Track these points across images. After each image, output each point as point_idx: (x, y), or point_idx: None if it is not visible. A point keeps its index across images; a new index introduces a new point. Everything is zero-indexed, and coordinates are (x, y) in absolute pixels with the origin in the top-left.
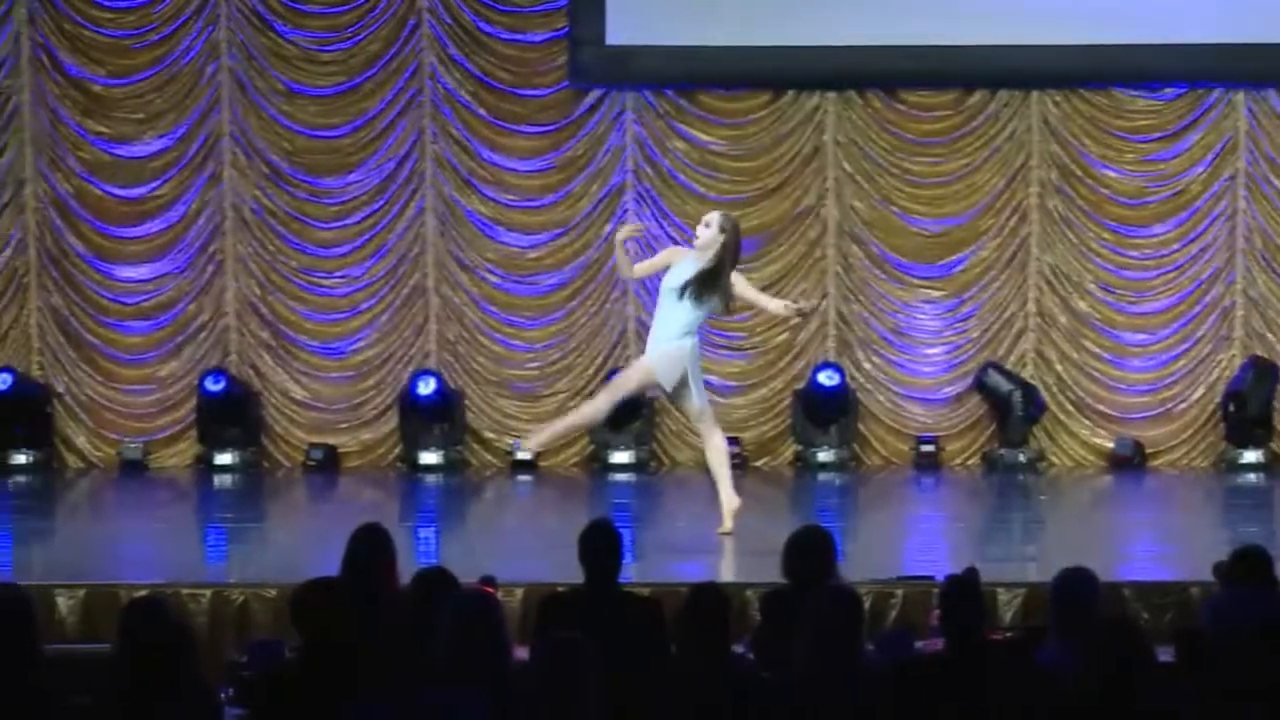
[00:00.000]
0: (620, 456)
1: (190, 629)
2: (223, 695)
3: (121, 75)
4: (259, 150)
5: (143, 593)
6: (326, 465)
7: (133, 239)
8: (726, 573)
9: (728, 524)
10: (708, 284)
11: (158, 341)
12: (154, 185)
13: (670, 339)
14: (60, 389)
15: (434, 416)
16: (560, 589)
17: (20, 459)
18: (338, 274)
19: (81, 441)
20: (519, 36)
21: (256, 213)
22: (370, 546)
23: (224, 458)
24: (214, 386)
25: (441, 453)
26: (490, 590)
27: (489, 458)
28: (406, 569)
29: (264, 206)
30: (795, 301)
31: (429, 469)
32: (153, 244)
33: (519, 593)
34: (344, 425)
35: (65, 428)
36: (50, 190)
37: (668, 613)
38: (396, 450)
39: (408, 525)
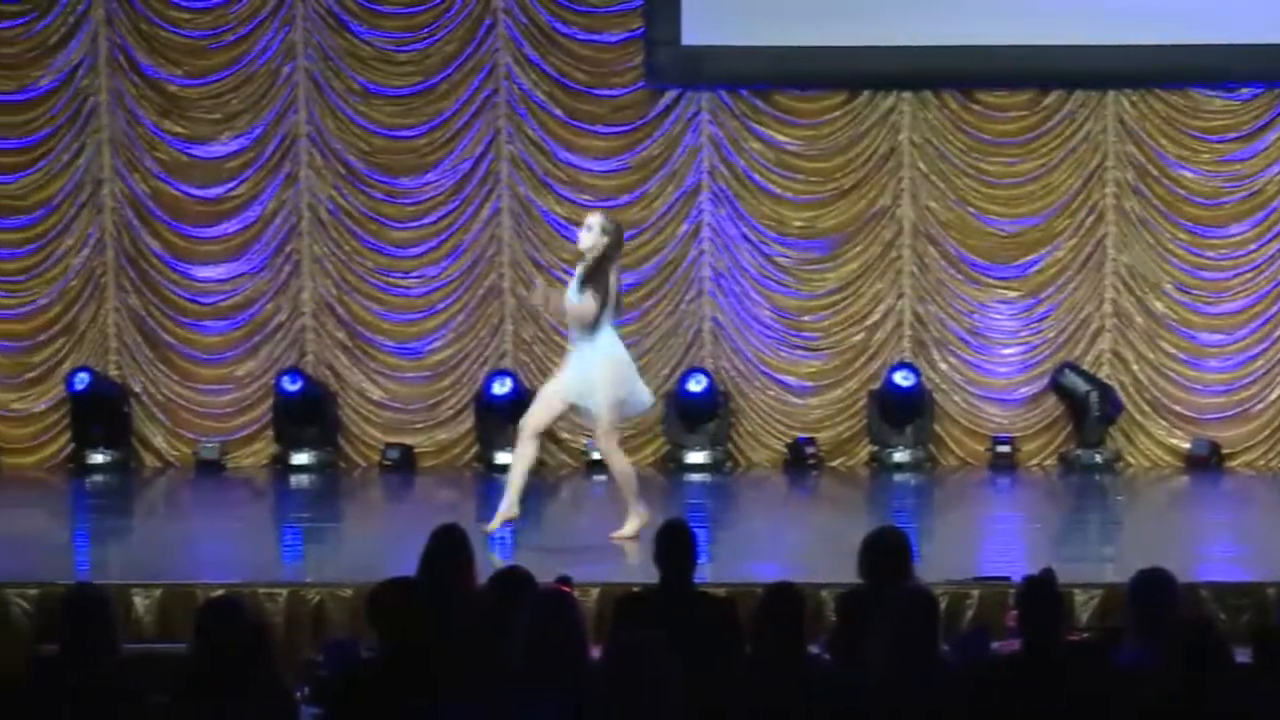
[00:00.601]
0: (696, 457)
1: (266, 628)
2: (298, 694)
3: (198, 76)
4: (335, 150)
5: (219, 592)
6: (403, 465)
7: (209, 239)
8: (802, 573)
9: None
10: (588, 280)
11: (234, 341)
12: (231, 185)
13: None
14: (137, 389)
15: (510, 416)
16: (635, 589)
17: (98, 459)
18: (414, 274)
19: (159, 441)
20: (594, 37)
21: (333, 213)
22: (447, 547)
23: (300, 457)
24: (291, 386)
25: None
26: (566, 590)
27: (564, 457)
28: (483, 569)
29: (340, 206)
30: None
31: (505, 469)
32: (229, 244)
33: (594, 592)
34: (420, 425)
35: (142, 427)
36: (127, 191)
37: (742, 613)
38: (473, 450)
39: (483, 524)
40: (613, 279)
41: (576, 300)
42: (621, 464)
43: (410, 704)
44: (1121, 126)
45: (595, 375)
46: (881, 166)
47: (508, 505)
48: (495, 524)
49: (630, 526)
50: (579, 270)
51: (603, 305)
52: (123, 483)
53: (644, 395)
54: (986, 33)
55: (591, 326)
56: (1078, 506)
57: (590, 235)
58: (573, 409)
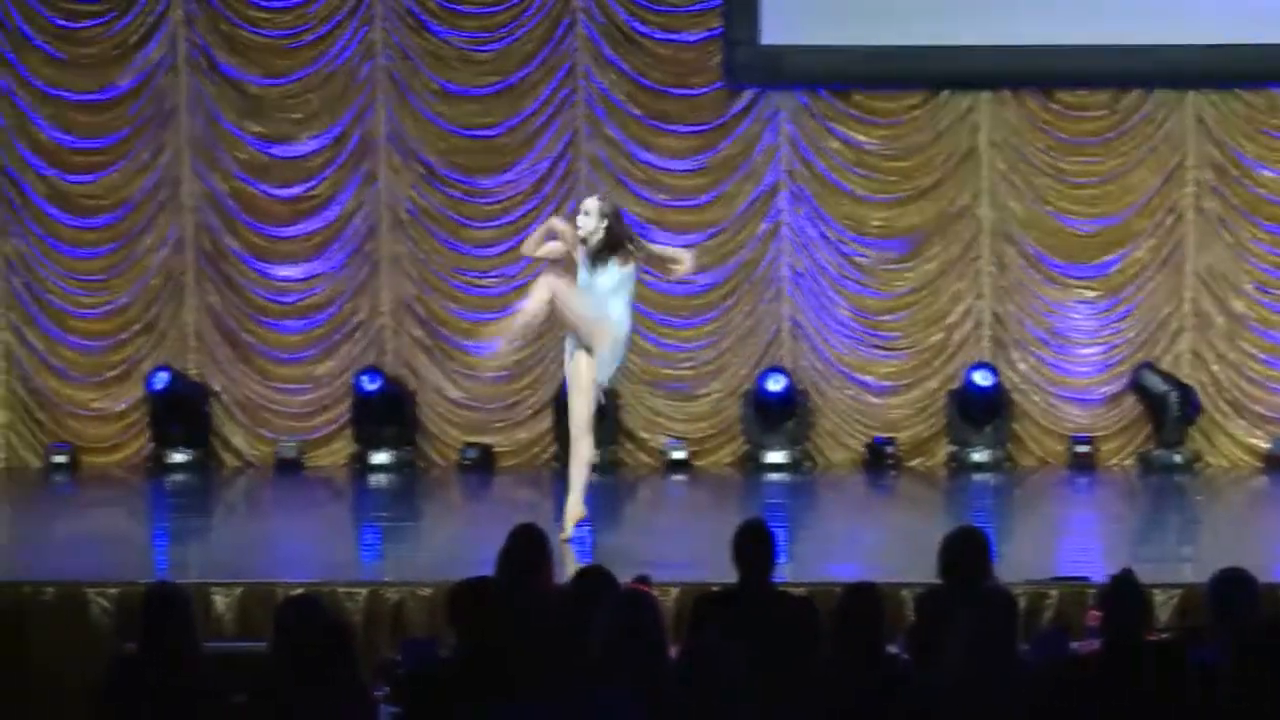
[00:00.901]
0: (774, 456)
1: (346, 627)
2: (377, 694)
3: (277, 75)
4: (414, 150)
5: (299, 591)
6: (481, 464)
7: (289, 238)
8: (881, 573)
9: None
10: (614, 249)
11: (314, 340)
12: (310, 185)
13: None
14: (217, 388)
15: None
16: (714, 588)
17: (178, 458)
18: (492, 273)
19: (238, 440)
20: (673, 36)
21: (411, 212)
22: (526, 546)
23: (379, 457)
24: (370, 385)
25: (596, 452)
26: (645, 589)
27: (643, 457)
28: (562, 568)
29: (419, 206)
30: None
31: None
32: (309, 243)
33: (674, 592)
34: (499, 424)
35: (222, 427)
36: (207, 190)
37: (821, 612)
38: (551, 449)
39: (561, 533)
40: (635, 245)
41: (596, 281)
42: (586, 451)
43: (488, 703)
44: (1201, 126)
45: (608, 354)
46: (960, 166)
47: (575, 505)
48: (569, 529)
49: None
50: (588, 254)
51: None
52: (202, 482)
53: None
54: (1065, 32)
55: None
56: (1157, 506)
57: (589, 220)
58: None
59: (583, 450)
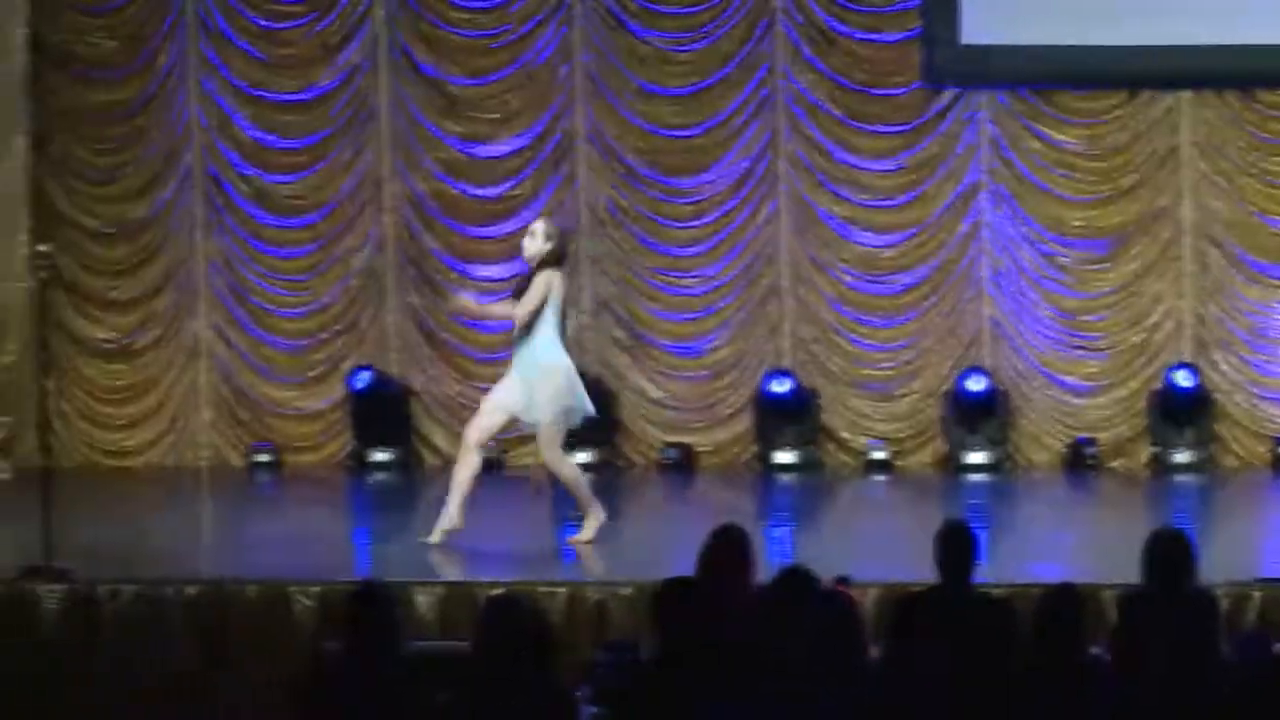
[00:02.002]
0: (975, 457)
1: (547, 627)
2: (578, 694)
3: (477, 75)
4: (613, 150)
5: (499, 591)
6: (681, 464)
7: (489, 238)
8: (1083, 574)
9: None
10: (524, 285)
11: (513, 340)
12: (510, 184)
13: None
14: (418, 387)
15: (788, 416)
16: (914, 589)
17: (379, 456)
18: (692, 273)
19: (439, 439)
20: (872, 36)
21: (611, 212)
22: (727, 546)
23: (579, 456)
24: None
25: (796, 452)
26: (845, 590)
27: (843, 457)
28: (762, 568)
29: (619, 206)
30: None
31: (783, 468)
32: (509, 243)
33: (873, 593)
34: (699, 424)
35: (423, 426)
36: (408, 190)
37: (1022, 614)
38: (751, 449)
39: (762, 524)
40: (557, 284)
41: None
42: (570, 470)
43: (690, 704)
44: None
45: (537, 387)
46: (1161, 166)
47: (450, 516)
48: (436, 535)
49: (589, 529)
50: (521, 280)
51: (537, 310)
52: (403, 481)
53: (587, 404)
54: (1268, 32)
55: (527, 330)
56: None
57: (534, 242)
58: (515, 420)
59: (568, 471)
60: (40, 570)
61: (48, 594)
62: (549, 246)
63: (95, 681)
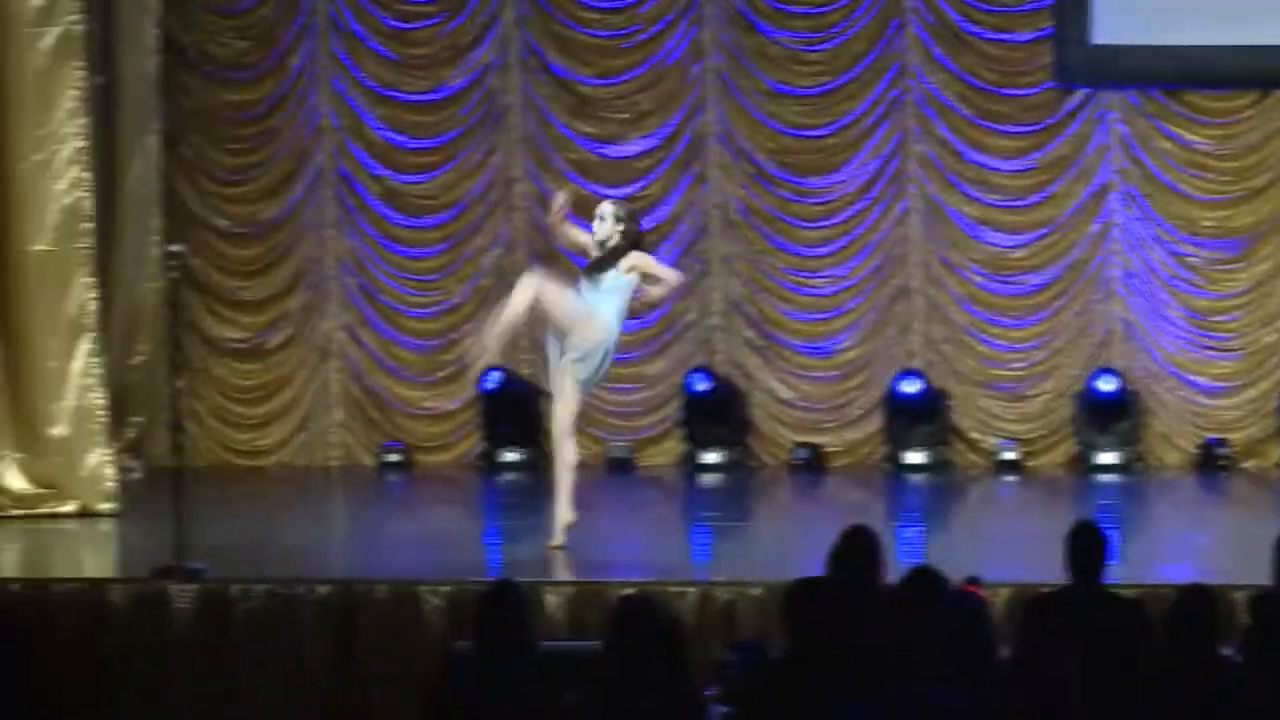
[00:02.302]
0: (1106, 457)
1: (678, 627)
2: (707, 694)
3: (608, 76)
4: (743, 150)
5: (629, 591)
6: (811, 464)
7: None
8: (1214, 575)
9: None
10: (612, 258)
11: (644, 340)
12: (640, 185)
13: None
14: (546, 387)
15: (919, 416)
16: (1045, 590)
17: (508, 457)
18: (822, 273)
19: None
20: (1003, 36)
21: (741, 212)
22: (857, 546)
23: (709, 456)
24: (700, 385)
25: (926, 452)
26: (975, 590)
27: (973, 457)
28: (892, 569)
29: (748, 206)
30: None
31: (913, 468)
32: None
33: (1004, 593)
34: (829, 424)
35: (549, 426)
36: (538, 191)
37: (1153, 615)
38: (881, 450)
39: (892, 525)
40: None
41: (592, 300)
42: (570, 455)
43: (819, 704)
44: None
45: (586, 330)
46: None
47: (564, 512)
48: (560, 536)
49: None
50: (596, 259)
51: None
52: (533, 481)
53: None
54: None
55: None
56: None
57: (604, 225)
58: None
59: (566, 455)
60: (172, 570)
61: (179, 593)
62: (620, 228)
63: (226, 681)
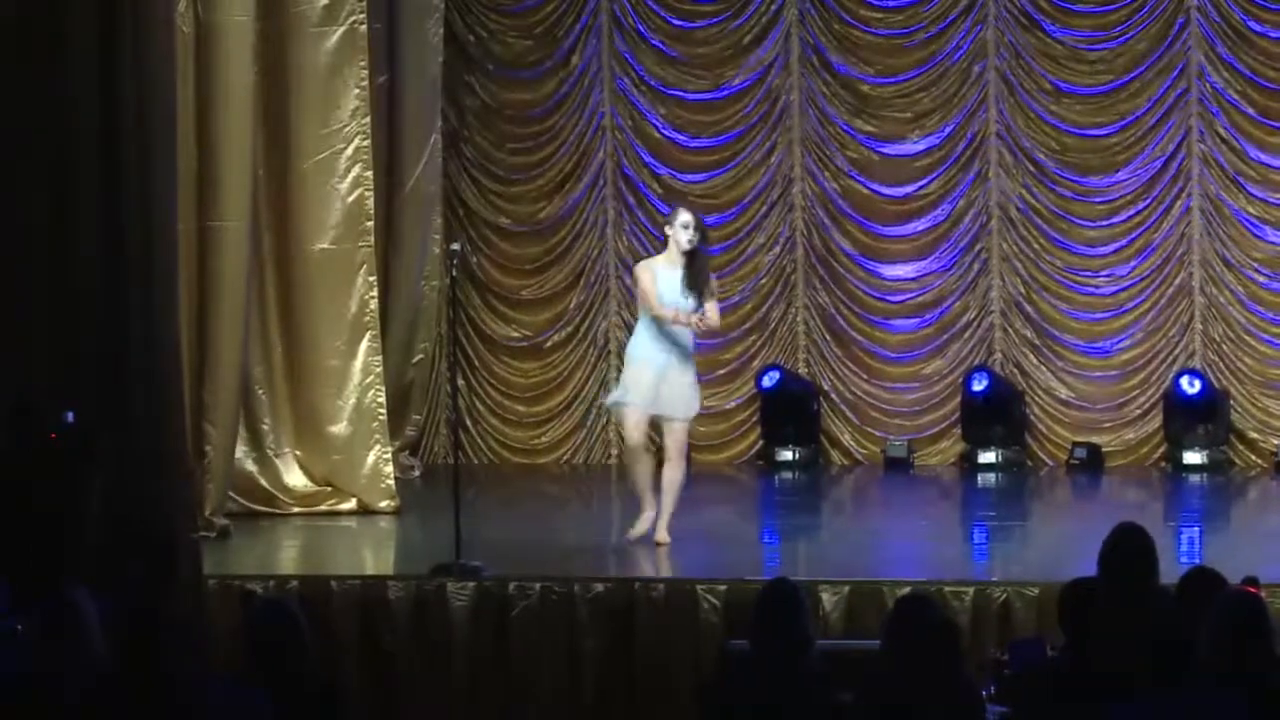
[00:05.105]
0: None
1: (955, 626)
2: (984, 693)
3: (890, 74)
4: (1025, 149)
5: (906, 590)
6: (1090, 464)
7: (899, 237)
8: None
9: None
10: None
11: (923, 339)
12: (921, 184)
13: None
14: (826, 386)
15: (1199, 416)
16: None
17: (787, 455)
18: (1103, 273)
19: (846, 439)
20: None
21: (1022, 211)
22: (1132, 546)
23: (987, 456)
24: (978, 385)
25: (1205, 453)
26: (1254, 590)
27: (1253, 458)
28: (1170, 569)
29: (1029, 205)
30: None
31: (1193, 469)
32: (918, 242)
33: None
34: (1108, 424)
35: (830, 425)
36: (818, 189)
37: None
38: (1160, 450)
39: (1171, 525)
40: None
41: (683, 301)
42: (644, 465)
43: (1097, 704)
44: None
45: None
46: None
47: (647, 516)
48: (641, 526)
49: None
50: (687, 270)
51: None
52: (811, 480)
53: (623, 395)
54: None
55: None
56: None
57: (694, 233)
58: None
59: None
60: (450, 568)
61: (458, 591)
62: (699, 236)
63: (502, 679)
